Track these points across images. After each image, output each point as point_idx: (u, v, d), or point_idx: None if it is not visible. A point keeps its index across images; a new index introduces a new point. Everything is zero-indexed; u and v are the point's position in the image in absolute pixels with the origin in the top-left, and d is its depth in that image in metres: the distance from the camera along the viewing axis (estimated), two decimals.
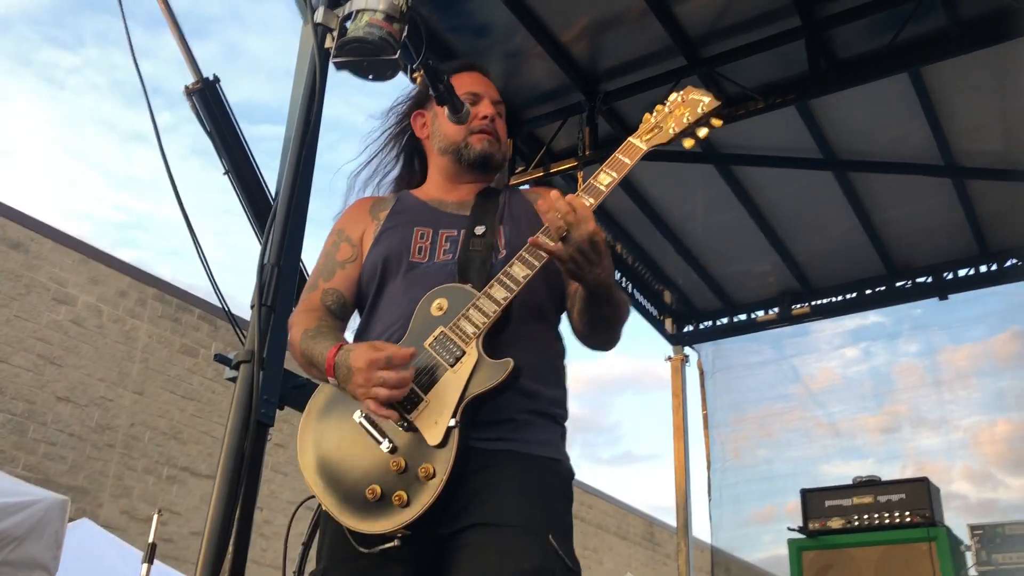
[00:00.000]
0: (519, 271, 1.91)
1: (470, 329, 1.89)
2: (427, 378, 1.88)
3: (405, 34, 1.74)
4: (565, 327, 2.22)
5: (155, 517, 5.48)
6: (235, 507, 1.56)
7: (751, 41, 5.29)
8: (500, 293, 1.90)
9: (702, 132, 2.06)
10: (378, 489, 1.82)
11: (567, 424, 2.13)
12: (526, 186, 6.07)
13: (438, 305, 1.97)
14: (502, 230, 2.15)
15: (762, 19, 5.19)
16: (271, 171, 3.64)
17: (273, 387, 3.27)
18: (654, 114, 2.10)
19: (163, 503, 10.30)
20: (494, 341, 1.92)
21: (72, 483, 9.81)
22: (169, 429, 11.08)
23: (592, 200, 1.95)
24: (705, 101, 2.05)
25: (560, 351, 2.19)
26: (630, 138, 2.05)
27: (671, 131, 2.04)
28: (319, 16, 1.75)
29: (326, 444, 1.95)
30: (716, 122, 2.07)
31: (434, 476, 1.79)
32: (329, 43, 1.74)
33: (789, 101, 5.40)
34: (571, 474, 2.06)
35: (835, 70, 5.25)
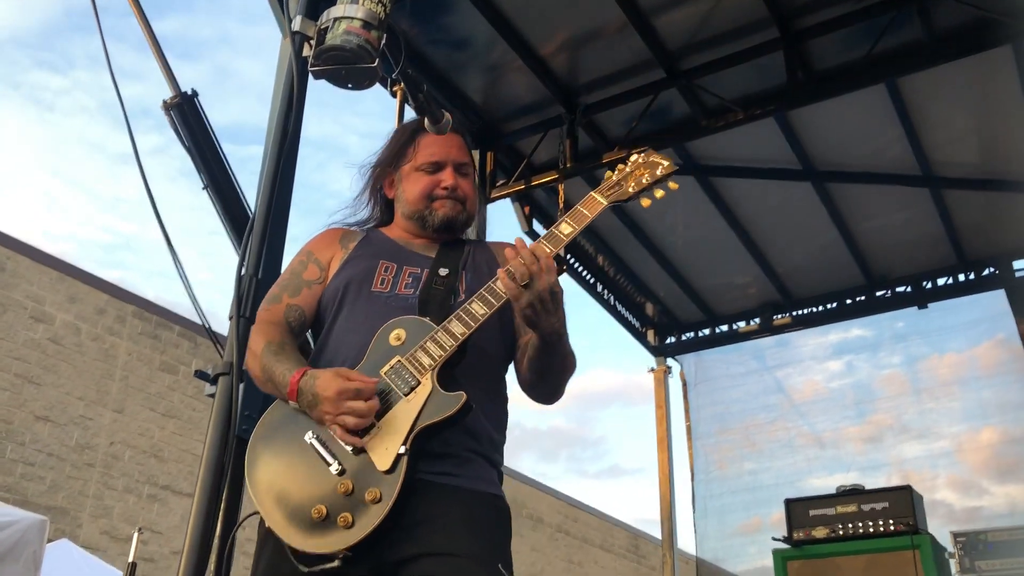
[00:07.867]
0: (478, 308, 1.97)
1: (426, 361, 1.94)
2: (381, 405, 1.92)
3: (384, 42, 1.73)
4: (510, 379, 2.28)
5: (135, 536, 5.42)
6: (215, 524, 1.53)
7: (730, 53, 5.32)
8: (458, 328, 1.96)
9: (659, 193, 2.25)
10: (324, 509, 1.85)
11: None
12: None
13: (396, 335, 2.02)
14: (464, 276, 2.20)
15: (740, 31, 5.23)
16: (256, 190, 3.60)
17: (254, 402, 3.22)
18: (616, 172, 2.24)
19: (143, 522, 10.18)
20: (448, 376, 1.97)
21: (51, 503, 9.69)
22: (149, 447, 10.96)
23: (551, 248, 2.05)
24: (664, 164, 2.24)
25: (505, 400, 2.24)
26: (593, 192, 2.19)
27: (630, 190, 2.21)
28: (297, 24, 1.72)
29: (276, 462, 1.98)
30: (673, 185, 2.27)
31: (380, 500, 1.83)
32: (307, 52, 1.72)
33: (768, 112, 5.43)
34: (509, 511, 2.11)
35: (813, 81, 5.29)
